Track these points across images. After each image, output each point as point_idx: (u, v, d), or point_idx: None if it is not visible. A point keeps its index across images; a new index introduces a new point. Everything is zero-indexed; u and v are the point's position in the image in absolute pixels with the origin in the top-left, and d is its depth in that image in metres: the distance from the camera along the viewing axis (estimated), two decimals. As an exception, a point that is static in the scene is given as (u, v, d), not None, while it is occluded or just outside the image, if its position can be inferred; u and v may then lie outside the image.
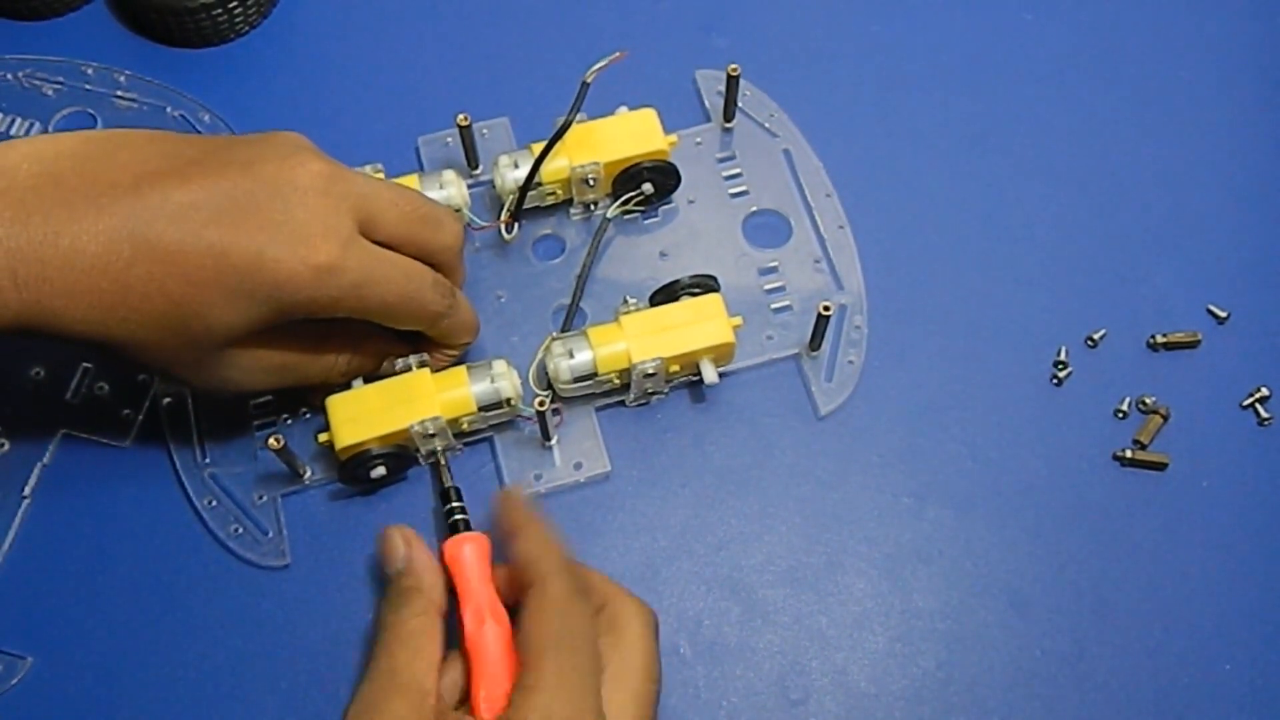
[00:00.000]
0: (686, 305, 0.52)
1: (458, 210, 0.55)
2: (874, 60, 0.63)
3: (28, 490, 0.52)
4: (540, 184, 0.55)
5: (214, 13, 0.61)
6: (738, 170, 0.59)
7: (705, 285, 0.53)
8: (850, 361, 0.55)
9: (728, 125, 0.60)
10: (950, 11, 0.64)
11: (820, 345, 0.54)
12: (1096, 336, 0.55)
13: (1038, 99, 0.61)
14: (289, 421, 0.53)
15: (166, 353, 0.44)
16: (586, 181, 0.55)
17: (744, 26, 0.63)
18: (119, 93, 0.61)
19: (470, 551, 0.47)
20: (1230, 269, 0.57)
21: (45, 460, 0.53)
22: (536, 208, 0.57)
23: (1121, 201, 0.59)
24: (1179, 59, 0.63)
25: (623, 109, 0.56)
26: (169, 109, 0.61)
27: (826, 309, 0.51)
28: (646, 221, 0.58)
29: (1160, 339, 0.55)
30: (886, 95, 0.62)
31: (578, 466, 0.53)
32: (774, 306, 0.56)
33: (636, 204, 0.57)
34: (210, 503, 0.51)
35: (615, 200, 0.56)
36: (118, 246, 0.41)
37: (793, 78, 0.62)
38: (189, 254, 0.42)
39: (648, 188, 0.56)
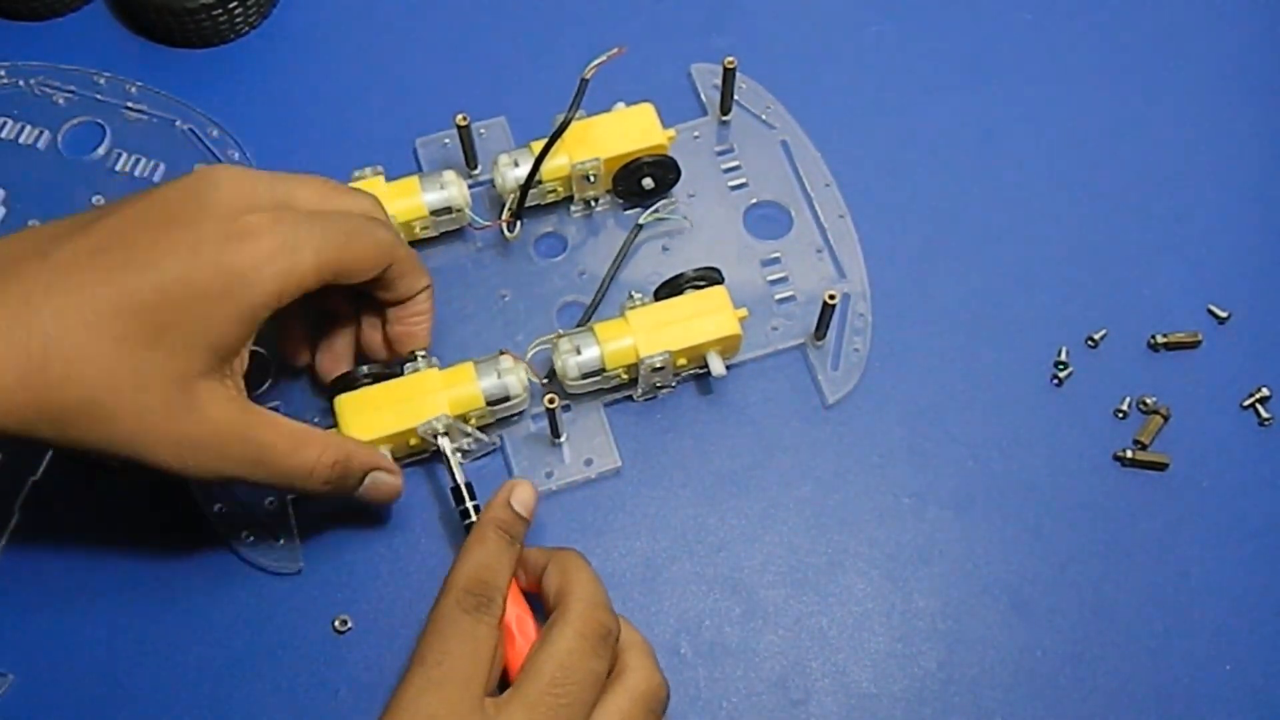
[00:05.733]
0: (692, 298, 0.53)
1: (459, 211, 0.55)
2: (870, 51, 0.63)
3: (18, 502, 0.52)
4: (541, 182, 0.55)
5: (214, 13, 0.61)
6: (736, 163, 0.59)
7: (709, 278, 0.53)
8: (856, 350, 0.55)
9: (725, 118, 0.60)
10: (947, 2, 0.64)
11: (825, 334, 0.54)
12: (1097, 336, 0.55)
13: (1037, 94, 0.61)
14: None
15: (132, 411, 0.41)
16: (587, 178, 0.55)
17: (738, 20, 0.64)
18: (129, 104, 0.61)
19: None
20: (1230, 269, 0.57)
21: (36, 477, 0.52)
22: (537, 206, 0.57)
23: (1121, 201, 0.59)
24: (1179, 58, 0.63)
25: (620, 105, 0.56)
26: (178, 122, 0.60)
27: (832, 298, 0.51)
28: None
29: (1160, 339, 0.55)
30: (884, 86, 0.62)
31: (588, 463, 0.53)
32: (778, 297, 0.56)
33: (637, 198, 0.57)
34: (219, 508, 0.51)
35: (617, 195, 0.57)
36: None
37: (789, 69, 0.62)
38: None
39: (648, 183, 0.56)
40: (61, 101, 0.61)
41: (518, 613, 0.45)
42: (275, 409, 0.53)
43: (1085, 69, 0.62)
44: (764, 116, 0.60)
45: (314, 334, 0.52)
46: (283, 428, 0.46)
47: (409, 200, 0.54)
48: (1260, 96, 0.62)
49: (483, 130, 0.60)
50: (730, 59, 0.56)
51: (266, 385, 0.54)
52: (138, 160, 0.60)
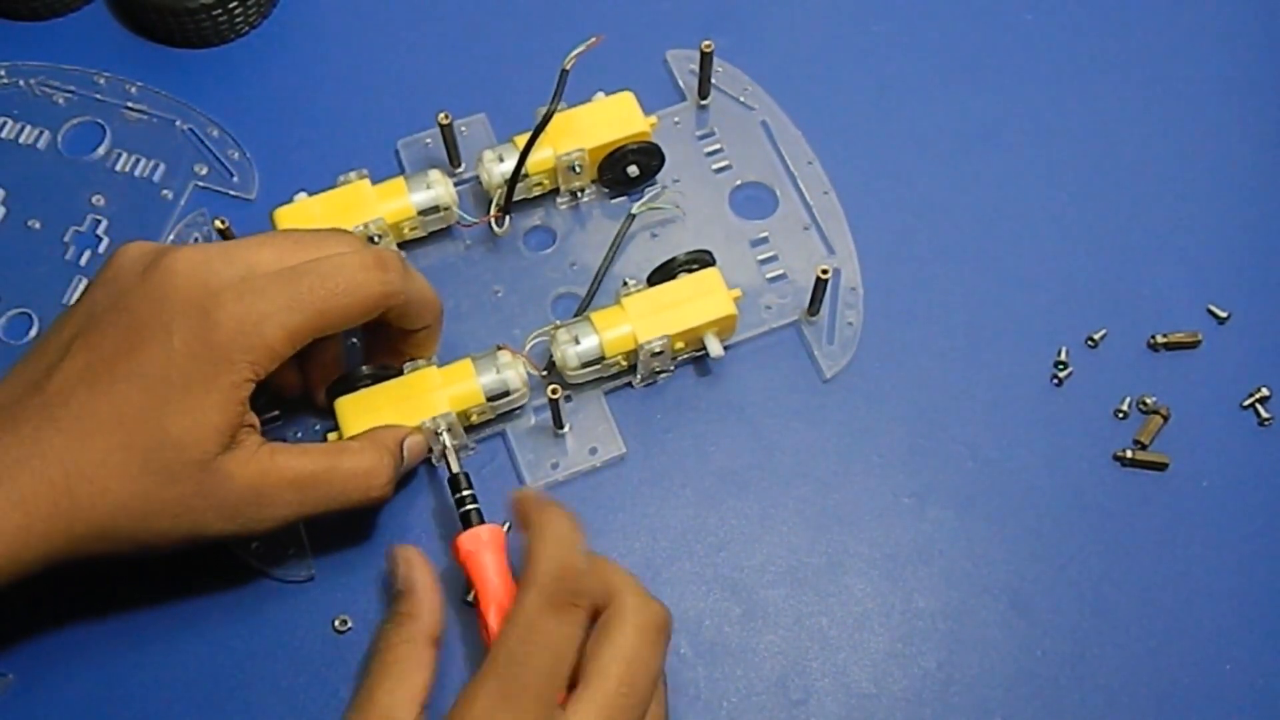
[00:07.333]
0: (686, 282, 0.53)
1: (447, 209, 0.55)
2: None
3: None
4: (526, 175, 0.55)
5: (214, 13, 0.61)
6: (718, 146, 0.60)
7: (702, 260, 0.54)
8: (850, 323, 0.55)
9: (703, 102, 0.60)
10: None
11: (819, 310, 0.55)
12: (1096, 336, 0.55)
13: (1035, 90, 0.61)
14: (299, 436, 0.53)
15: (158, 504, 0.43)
16: (572, 169, 0.56)
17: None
18: (129, 104, 0.61)
19: (485, 546, 0.47)
20: (1230, 269, 0.57)
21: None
22: (523, 200, 0.57)
23: (1121, 201, 0.59)
24: (1179, 58, 0.63)
25: (600, 95, 0.57)
26: (178, 122, 0.60)
27: (824, 272, 0.52)
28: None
29: (1160, 339, 0.55)
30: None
31: (593, 451, 0.53)
32: (769, 276, 0.56)
33: (622, 187, 0.58)
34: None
35: (602, 184, 0.58)
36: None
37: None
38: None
39: (633, 170, 0.57)
40: (61, 101, 0.61)
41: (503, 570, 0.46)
42: (276, 418, 0.53)
43: (1085, 66, 0.62)
44: (742, 99, 0.61)
45: (299, 358, 0.51)
46: (314, 454, 0.46)
47: (396, 201, 0.54)
48: (1260, 97, 0.62)
49: (464, 128, 0.60)
50: (707, 42, 0.57)
51: (277, 414, 0.54)
52: (138, 160, 0.60)
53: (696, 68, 0.59)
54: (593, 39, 0.52)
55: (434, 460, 0.52)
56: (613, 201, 0.58)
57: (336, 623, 0.50)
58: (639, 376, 0.54)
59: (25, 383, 0.44)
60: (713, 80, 0.60)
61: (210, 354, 0.43)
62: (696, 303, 0.52)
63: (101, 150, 0.60)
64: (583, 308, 0.54)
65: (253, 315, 0.44)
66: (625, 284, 0.53)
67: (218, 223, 0.53)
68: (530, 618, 0.41)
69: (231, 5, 0.61)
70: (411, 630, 0.44)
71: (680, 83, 0.61)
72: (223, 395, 0.43)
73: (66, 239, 0.58)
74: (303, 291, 0.45)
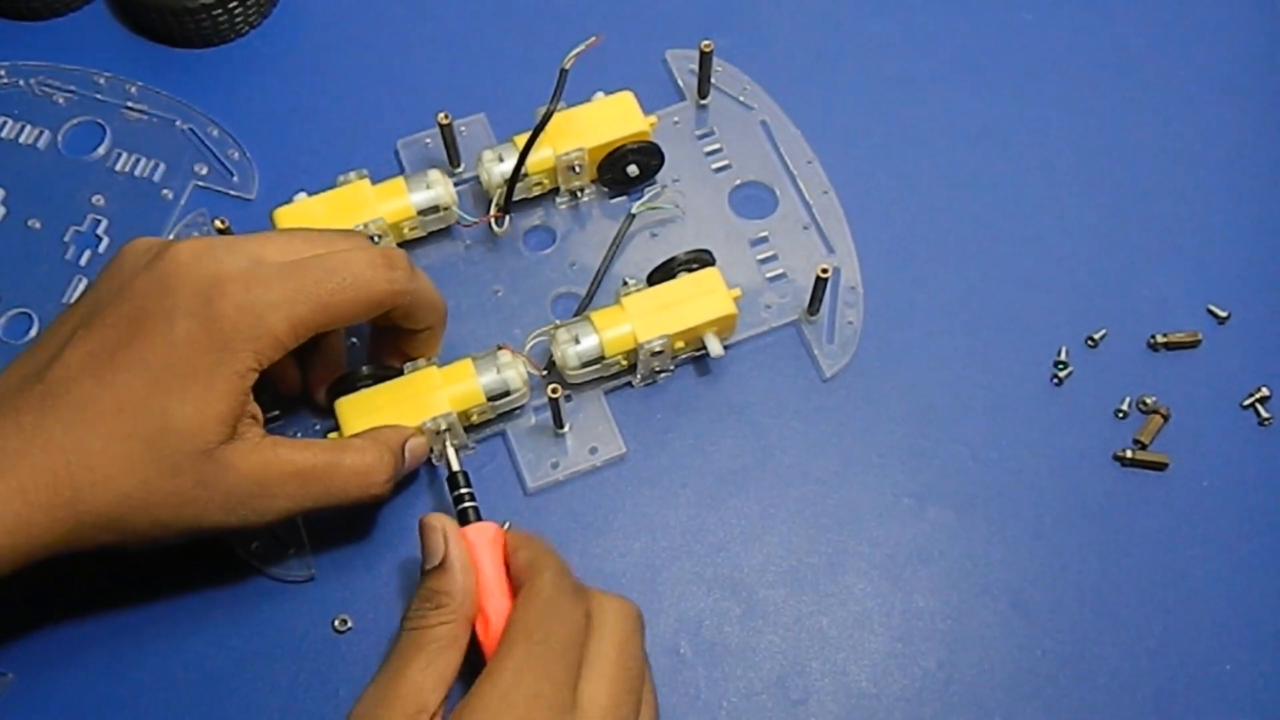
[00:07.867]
0: (686, 281, 0.53)
1: (446, 209, 0.55)
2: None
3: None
4: (526, 175, 0.55)
5: (214, 13, 0.61)
6: (718, 145, 0.60)
7: (701, 260, 0.54)
8: (850, 323, 0.56)
9: (703, 102, 0.61)
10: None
11: (819, 309, 0.55)
12: (1096, 336, 0.56)
13: (1035, 90, 0.61)
14: (299, 436, 0.53)
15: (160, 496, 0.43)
16: (572, 169, 0.56)
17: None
18: (129, 104, 0.61)
19: (483, 543, 0.46)
20: (1230, 269, 0.57)
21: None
22: (523, 199, 0.57)
23: (1121, 201, 0.59)
24: (1179, 58, 0.63)
25: (599, 94, 0.57)
26: (178, 122, 0.60)
27: (825, 271, 0.52)
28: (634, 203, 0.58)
29: (1160, 339, 0.55)
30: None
31: (593, 451, 0.53)
32: (769, 275, 0.57)
33: (622, 186, 0.58)
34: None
35: (602, 184, 0.58)
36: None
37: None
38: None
39: (633, 170, 0.57)
40: (61, 101, 0.61)
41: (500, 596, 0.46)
42: (276, 417, 0.53)
43: (1084, 66, 0.62)
44: (741, 98, 0.61)
45: (300, 356, 0.51)
46: (316, 449, 0.46)
47: (396, 201, 0.54)
48: (1260, 96, 0.62)
49: (463, 128, 0.60)
50: (707, 42, 0.57)
51: (277, 413, 0.54)
52: (138, 160, 0.60)
53: (696, 67, 0.59)
54: (592, 38, 0.52)
55: (434, 459, 0.52)
56: (612, 201, 0.58)
57: (336, 623, 0.50)
58: (639, 376, 0.54)
59: (27, 373, 0.44)
60: (712, 80, 0.60)
61: (213, 342, 0.43)
62: (696, 302, 0.52)
63: (101, 150, 0.60)
64: (583, 307, 0.54)
65: (257, 304, 0.44)
66: (625, 283, 0.53)
67: (217, 222, 0.53)
68: (550, 594, 0.43)
69: (231, 5, 0.61)
70: (450, 610, 0.44)
71: (680, 82, 0.61)
72: (226, 384, 0.43)
73: (66, 239, 0.58)
74: (308, 283, 0.45)
